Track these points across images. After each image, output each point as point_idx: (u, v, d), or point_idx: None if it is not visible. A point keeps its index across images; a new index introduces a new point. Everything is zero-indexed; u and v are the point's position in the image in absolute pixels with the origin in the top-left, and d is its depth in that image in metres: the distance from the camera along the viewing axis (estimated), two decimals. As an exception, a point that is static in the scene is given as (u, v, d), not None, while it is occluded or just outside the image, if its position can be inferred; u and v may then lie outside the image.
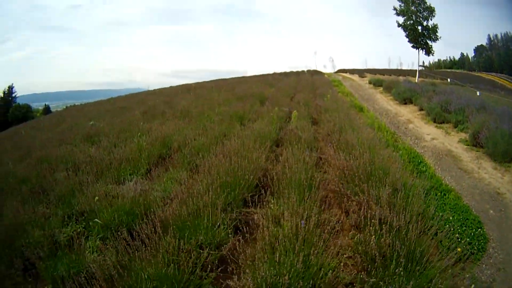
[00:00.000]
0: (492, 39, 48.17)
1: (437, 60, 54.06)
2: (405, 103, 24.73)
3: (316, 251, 5.04)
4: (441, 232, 6.12)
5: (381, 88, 32.67)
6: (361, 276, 5.22)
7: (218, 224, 6.24)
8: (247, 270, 5.07)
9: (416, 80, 36.25)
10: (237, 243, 5.53)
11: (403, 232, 5.46)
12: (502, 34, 46.84)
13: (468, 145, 13.45)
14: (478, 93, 24.74)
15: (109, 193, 8.60)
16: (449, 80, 37.84)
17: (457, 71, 49.51)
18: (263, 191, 7.58)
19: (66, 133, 19.70)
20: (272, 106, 19.92)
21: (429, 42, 37.48)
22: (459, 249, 5.85)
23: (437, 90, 24.38)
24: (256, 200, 7.37)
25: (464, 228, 7.39)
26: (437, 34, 36.22)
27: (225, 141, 12.13)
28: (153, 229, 5.86)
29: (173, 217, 6.43)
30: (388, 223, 5.72)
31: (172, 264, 5.10)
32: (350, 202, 7.05)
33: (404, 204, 6.35)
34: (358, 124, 13.80)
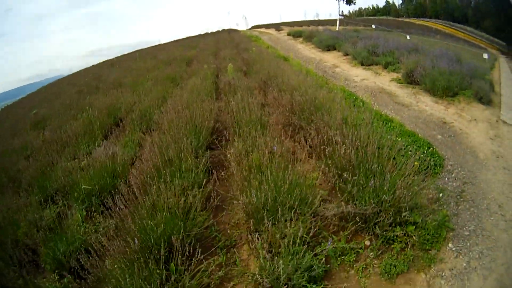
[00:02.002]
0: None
1: (357, 9, 54.58)
2: (329, 50, 24.57)
3: (290, 171, 5.44)
4: (392, 150, 6.36)
5: (301, 39, 32.82)
6: (334, 191, 5.71)
7: (192, 168, 6.43)
8: (239, 196, 5.46)
9: (337, 28, 36.43)
10: (217, 181, 5.86)
11: (361, 151, 5.93)
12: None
13: (401, 83, 13.93)
14: (408, 37, 25.38)
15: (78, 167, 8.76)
16: (373, 26, 37.85)
17: (382, 17, 49.97)
18: (221, 136, 8.03)
19: (14, 126, 19.53)
20: (199, 65, 20.31)
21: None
22: (416, 163, 6.02)
23: (361, 36, 24.74)
24: (218, 144, 7.86)
25: (415, 147, 7.95)
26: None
27: (168, 101, 12.37)
28: (138, 182, 6.19)
29: (148, 169, 6.57)
30: (344, 145, 6.12)
31: (167, 209, 5.30)
32: (304, 131, 7.56)
33: (353, 130, 6.67)
34: (288, 71, 13.96)
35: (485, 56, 18.82)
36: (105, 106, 13.98)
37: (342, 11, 41.59)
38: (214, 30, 65.26)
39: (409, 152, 7.39)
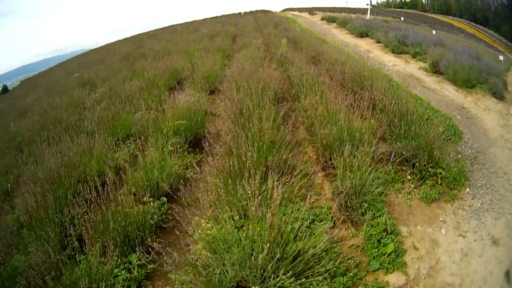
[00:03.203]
0: (449, -18, 48.05)
1: (385, 0, 54.25)
2: (362, 37, 25.71)
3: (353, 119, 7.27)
4: (424, 115, 8.23)
5: (334, 24, 33.76)
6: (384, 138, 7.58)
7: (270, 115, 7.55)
8: (319, 132, 7.22)
9: (368, 17, 37.09)
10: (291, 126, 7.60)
11: (403, 107, 7.86)
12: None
13: (428, 72, 15.35)
14: (434, 32, 25.99)
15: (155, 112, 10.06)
16: (402, 18, 38.20)
17: (409, 11, 49.42)
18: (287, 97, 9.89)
19: (56, 87, 20.50)
20: (246, 39, 21.12)
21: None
22: (440, 128, 7.73)
23: (391, 26, 25.81)
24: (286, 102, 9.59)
25: (440, 118, 9.41)
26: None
27: (228, 67, 13.72)
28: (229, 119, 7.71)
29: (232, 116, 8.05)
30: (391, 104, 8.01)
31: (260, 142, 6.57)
32: (356, 95, 9.07)
33: (395, 96, 8.58)
34: (331, 50, 15.57)
35: (501, 58, 19.96)
36: (164, 69, 14.43)
37: (371, 1, 41.99)
38: (247, 10, 63.30)
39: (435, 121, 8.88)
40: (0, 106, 24.92)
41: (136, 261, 5.14)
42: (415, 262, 5.22)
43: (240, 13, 58.77)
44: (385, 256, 5.13)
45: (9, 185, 8.23)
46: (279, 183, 5.10)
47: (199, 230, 5.09)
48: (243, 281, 4.15)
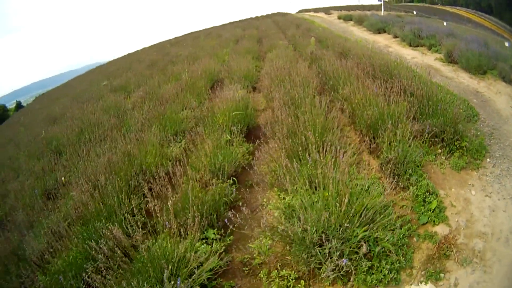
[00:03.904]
0: (455, -26, 47.78)
1: None
2: (379, 33, 26.69)
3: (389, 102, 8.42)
4: (446, 98, 9.57)
5: (351, 22, 34.54)
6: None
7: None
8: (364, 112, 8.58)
9: (382, 13, 37.51)
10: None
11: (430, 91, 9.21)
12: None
13: (443, 62, 16.36)
14: (445, 23, 26.52)
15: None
16: (414, 12, 38.96)
17: (419, 4, 49.45)
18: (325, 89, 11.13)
19: (85, 95, 21.63)
20: (272, 41, 22.17)
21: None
22: (460, 110, 8.83)
23: (405, 21, 26.53)
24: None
25: (459, 101, 10.67)
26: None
27: (263, 66, 14.70)
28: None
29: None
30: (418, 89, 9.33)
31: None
32: (386, 83, 10.09)
33: (420, 83, 9.76)
34: (355, 46, 16.70)
35: (507, 44, 20.82)
36: (199, 71, 15.25)
37: None
38: (264, 14, 64.62)
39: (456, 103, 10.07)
40: (21, 119, 26.18)
41: (214, 236, 5.88)
42: (454, 216, 6.43)
43: (257, 17, 59.43)
44: (431, 212, 6.33)
45: (63, 178, 9.03)
46: (338, 155, 6.03)
47: (273, 201, 6.19)
48: (323, 235, 5.00)
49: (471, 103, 11.09)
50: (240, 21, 58.62)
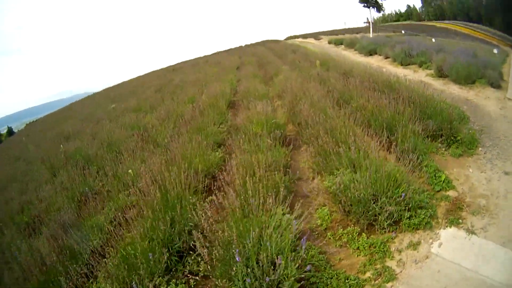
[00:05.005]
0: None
1: (381, 15, 55.82)
2: (370, 55, 28.63)
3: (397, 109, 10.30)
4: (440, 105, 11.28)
5: (342, 46, 36.33)
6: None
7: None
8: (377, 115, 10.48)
9: (371, 35, 39.28)
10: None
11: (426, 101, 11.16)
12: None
13: (434, 77, 18.15)
14: (433, 40, 28.46)
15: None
16: (403, 31, 41.06)
17: (406, 22, 50.72)
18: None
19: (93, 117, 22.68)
20: (274, 66, 23.79)
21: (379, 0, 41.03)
22: (454, 114, 10.74)
23: (395, 41, 28.30)
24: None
25: (451, 109, 11.95)
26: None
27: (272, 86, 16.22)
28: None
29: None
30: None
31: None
32: (387, 95, 11.81)
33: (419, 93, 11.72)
34: (356, 67, 18.53)
35: (495, 51, 23.15)
36: (214, 94, 16.26)
37: (366, 18, 44.29)
38: (256, 41, 66.36)
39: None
40: (23, 139, 27.74)
41: (283, 211, 6.50)
42: (459, 185, 8.33)
43: (251, 44, 60.38)
44: (442, 182, 8.22)
45: (130, 171, 9.37)
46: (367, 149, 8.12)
47: (325, 182, 8.02)
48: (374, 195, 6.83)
49: (461, 109, 12.74)
50: (234, 48, 60.43)
